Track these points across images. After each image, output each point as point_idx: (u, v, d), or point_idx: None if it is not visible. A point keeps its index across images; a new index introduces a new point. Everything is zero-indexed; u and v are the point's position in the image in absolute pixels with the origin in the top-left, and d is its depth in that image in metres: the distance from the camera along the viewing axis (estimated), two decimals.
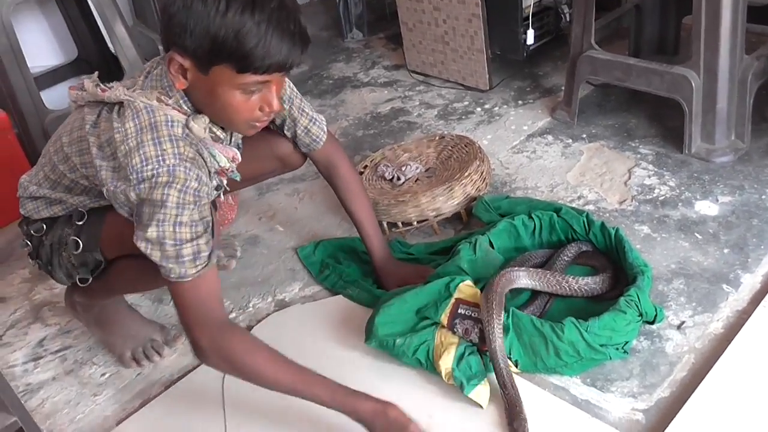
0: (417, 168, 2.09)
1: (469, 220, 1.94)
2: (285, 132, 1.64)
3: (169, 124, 1.27)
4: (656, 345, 1.52)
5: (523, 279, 1.57)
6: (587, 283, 1.60)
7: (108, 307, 1.72)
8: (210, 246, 1.28)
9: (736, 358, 1.44)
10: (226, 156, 1.40)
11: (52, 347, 1.83)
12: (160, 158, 1.22)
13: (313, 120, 1.64)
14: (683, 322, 1.57)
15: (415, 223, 1.91)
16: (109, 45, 2.78)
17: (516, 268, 1.58)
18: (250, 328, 1.75)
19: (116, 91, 1.31)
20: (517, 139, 2.34)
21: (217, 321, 1.30)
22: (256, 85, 1.26)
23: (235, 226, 2.14)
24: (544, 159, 2.21)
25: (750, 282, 1.64)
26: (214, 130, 1.37)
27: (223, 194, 1.55)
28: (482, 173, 1.96)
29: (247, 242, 2.05)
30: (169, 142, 1.24)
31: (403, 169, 2.07)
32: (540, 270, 1.61)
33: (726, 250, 1.74)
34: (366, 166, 2.14)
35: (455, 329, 1.50)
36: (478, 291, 1.55)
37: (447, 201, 1.89)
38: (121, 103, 1.29)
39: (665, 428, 1.33)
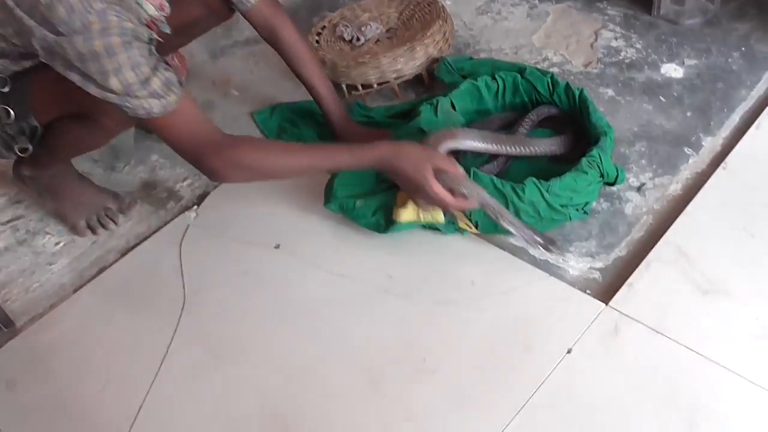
0: (377, 28, 2.00)
1: (430, 82, 1.88)
2: None
3: None
4: (616, 206, 1.53)
5: (474, 141, 1.54)
6: (539, 144, 1.57)
7: (58, 177, 1.66)
8: (171, 72, 1.23)
9: (693, 219, 1.45)
10: (153, 4, 1.30)
11: (1, 218, 1.78)
12: (86, 4, 1.12)
13: None
14: (643, 184, 1.57)
15: (375, 85, 1.85)
16: None
17: (464, 129, 1.55)
18: (206, 194, 1.72)
19: None
20: None
21: (218, 137, 1.29)
22: None
23: None
24: (509, 20, 2.13)
25: (711, 145, 1.64)
26: None
27: (161, 52, 1.45)
28: (445, 33, 1.88)
29: (201, 108, 1.97)
30: None
31: (363, 29, 1.98)
32: (491, 132, 1.58)
33: (689, 113, 1.73)
34: (324, 26, 2.04)
35: None
36: None
37: (408, 62, 1.82)
38: None
39: (621, 286, 1.36)
